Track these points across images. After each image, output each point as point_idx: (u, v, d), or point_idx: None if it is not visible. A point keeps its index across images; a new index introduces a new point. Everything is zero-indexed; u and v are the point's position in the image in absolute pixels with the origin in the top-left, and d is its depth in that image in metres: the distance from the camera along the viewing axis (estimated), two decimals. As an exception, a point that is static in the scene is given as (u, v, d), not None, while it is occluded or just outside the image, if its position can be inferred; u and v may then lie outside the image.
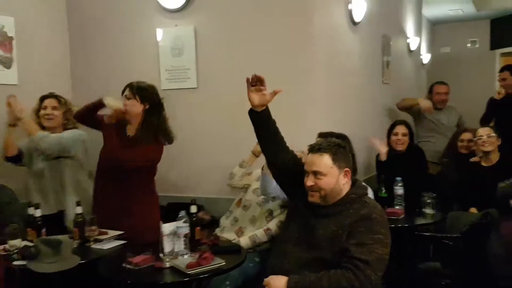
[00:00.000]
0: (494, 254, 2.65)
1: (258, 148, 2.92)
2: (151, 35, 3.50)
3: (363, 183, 2.22)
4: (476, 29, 7.87)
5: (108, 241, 2.48)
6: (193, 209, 2.57)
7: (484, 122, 4.48)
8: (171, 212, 2.73)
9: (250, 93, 2.18)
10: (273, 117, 3.08)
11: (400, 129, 3.62)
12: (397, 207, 3.17)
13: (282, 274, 1.92)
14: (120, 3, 3.62)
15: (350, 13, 3.56)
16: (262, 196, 2.86)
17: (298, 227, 2.08)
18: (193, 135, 3.42)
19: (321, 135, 2.69)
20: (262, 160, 2.97)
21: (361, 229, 1.90)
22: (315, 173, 2.01)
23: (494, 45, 7.77)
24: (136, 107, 2.69)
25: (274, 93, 2.16)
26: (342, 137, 2.72)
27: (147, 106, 2.71)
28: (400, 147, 3.60)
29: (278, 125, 3.03)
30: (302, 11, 3.06)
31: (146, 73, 3.55)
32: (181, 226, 2.29)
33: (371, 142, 3.61)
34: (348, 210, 1.99)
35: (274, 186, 2.54)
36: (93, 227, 2.49)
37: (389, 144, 3.66)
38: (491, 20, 7.73)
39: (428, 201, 3.10)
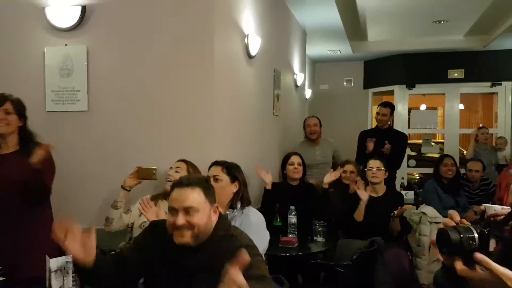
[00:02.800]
0: (380, 281, 2.83)
1: (129, 182, 2.83)
2: (38, 54, 3.24)
3: (223, 213, 2.07)
4: (352, 69, 8.59)
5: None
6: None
7: (359, 158, 4.82)
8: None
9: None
10: (170, 146, 3.03)
11: (296, 159, 3.76)
12: (290, 235, 3.26)
13: None
14: (7, 19, 3.32)
15: (246, 47, 3.66)
16: None
17: None
18: (83, 161, 3.19)
19: (217, 162, 2.69)
20: (135, 194, 2.88)
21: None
22: (187, 210, 1.76)
23: (367, 85, 8.57)
24: (15, 124, 2.53)
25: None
26: (235, 166, 2.74)
27: (22, 123, 2.57)
28: (297, 175, 3.71)
29: (176, 155, 2.99)
30: (201, 41, 3.06)
31: (29, 93, 3.24)
32: (70, 260, 2.10)
33: (258, 171, 3.62)
34: (217, 253, 1.74)
35: None
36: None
37: (284, 173, 3.78)
38: (365, 61, 8.54)
39: (320, 229, 3.25)
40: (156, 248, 1.86)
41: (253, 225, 2.55)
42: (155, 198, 2.83)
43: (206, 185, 1.87)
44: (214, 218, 1.85)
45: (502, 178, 2.83)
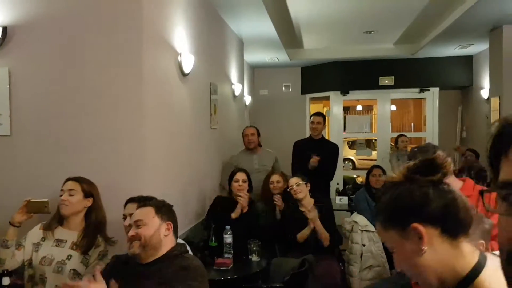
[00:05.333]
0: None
1: (18, 218, 2.55)
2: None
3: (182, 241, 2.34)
4: (290, 75, 8.73)
5: None
6: (6, 281, 2.28)
7: (294, 167, 4.93)
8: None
9: None
10: (98, 173, 2.90)
11: (241, 176, 3.78)
12: (226, 255, 3.28)
13: None
14: None
15: (179, 65, 3.64)
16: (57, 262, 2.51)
17: None
18: (5, 190, 3.04)
19: (132, 200, 2.57)
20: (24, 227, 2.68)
21: (179, 279, 2.01)
22: (137, 223, 2.12)
23: (304, 90, 8.76)
24: None
25: None
26: (151, 199, 2.57)
27: None
28: (242, 193, 3.72)
29: (108, 180, 2.91)
30: (129, 62, 3.00)
31: None
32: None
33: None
34: (169, 263, 2.09)
35: None
36: None
37: (231, 190, 3.79)
38: (302, 68, 8.72)
39: (255, 248, 3.29)
40: (115, 271, 2.13)
41: None
42: (48, 228, 2.61)
43: (158, 205, 2.22)
44: (167, 233, 2.15)
45: None
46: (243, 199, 3.61)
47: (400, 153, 6.66)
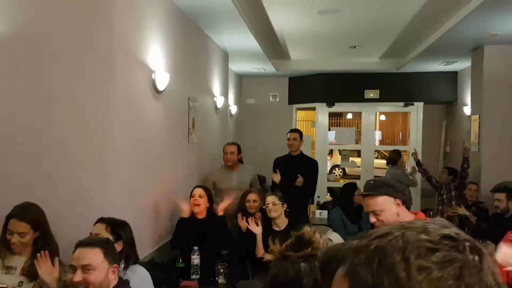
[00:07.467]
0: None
1: None
2: None
3: (124, 279, 2.22)
4: (277, 85, 8.74)
5: None
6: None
7: (274, 184, 4.94)
8: None
9: None
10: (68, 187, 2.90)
11: (197, 191, 3.78)
12: (193, 276, 3.29)
13: None
14: None
15: (153, 82, 3.64)
16: None
17: None
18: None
19: (102, 220, 2.59)
20: None
21: None
22: (84, 268, 1.96)
23: (291, 100, 8.78)
24: None
25: None
26: (121, 224, 2.64)
27: None
28: (197, 209, 3.72)
29: (73, 197, 2.92)
30: (99, 80, 3.00)
31: None
32: None
33: (175, 199, 3.79)
34: None
35: None
36: None
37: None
38: (289, 78, 8.74)
39: (221, 270, 3.30)
40: None
41: (133, 286, 2.49)
42: None
43: (106, 246, 2.06)
44: (113, 278, 2.03)
45: None
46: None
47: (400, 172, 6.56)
